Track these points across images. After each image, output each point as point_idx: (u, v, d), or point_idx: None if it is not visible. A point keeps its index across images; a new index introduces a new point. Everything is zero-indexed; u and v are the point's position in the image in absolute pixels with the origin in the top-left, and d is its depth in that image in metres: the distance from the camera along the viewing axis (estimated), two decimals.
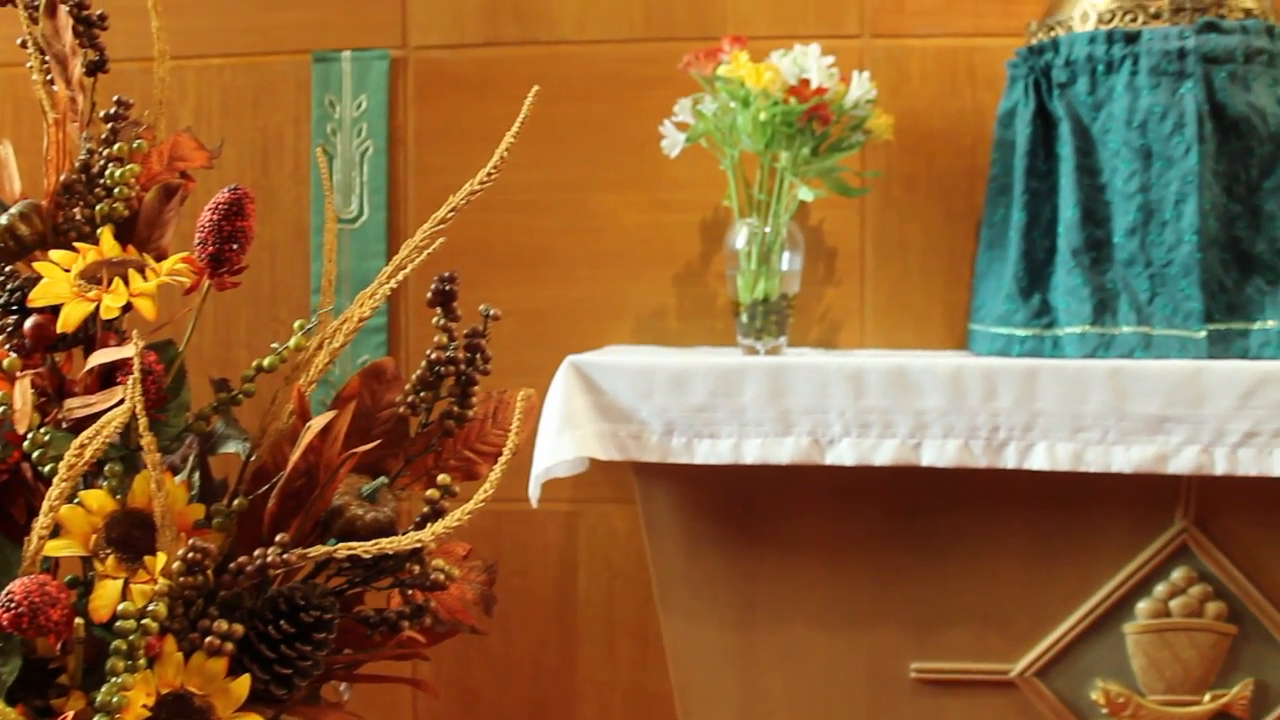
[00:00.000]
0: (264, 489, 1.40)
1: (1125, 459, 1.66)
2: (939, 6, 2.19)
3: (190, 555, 1.23)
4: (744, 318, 2.00)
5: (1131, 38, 1.81)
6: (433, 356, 1.46)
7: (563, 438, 1.82)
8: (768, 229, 1.97)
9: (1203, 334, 1.76)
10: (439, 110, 2.41)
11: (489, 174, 1.40)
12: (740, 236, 2.00)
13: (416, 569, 1.38)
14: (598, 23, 2.32)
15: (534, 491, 1.84)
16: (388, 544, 1.29)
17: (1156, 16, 1.82)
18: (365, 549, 1.29)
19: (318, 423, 1.35)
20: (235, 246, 1.39)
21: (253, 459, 1.46)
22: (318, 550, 1.31)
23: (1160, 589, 1.79)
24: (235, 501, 1.40)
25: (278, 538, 1.30)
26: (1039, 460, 1.71)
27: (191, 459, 1.47)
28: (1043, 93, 1.88)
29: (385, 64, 2.39)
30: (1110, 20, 1.83)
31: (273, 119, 2.45)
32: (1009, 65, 1.98)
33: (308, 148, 2.42)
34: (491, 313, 1.48)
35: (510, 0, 2.37)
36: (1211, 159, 1.78)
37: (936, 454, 1.72)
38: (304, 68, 2.42)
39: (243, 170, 2.44)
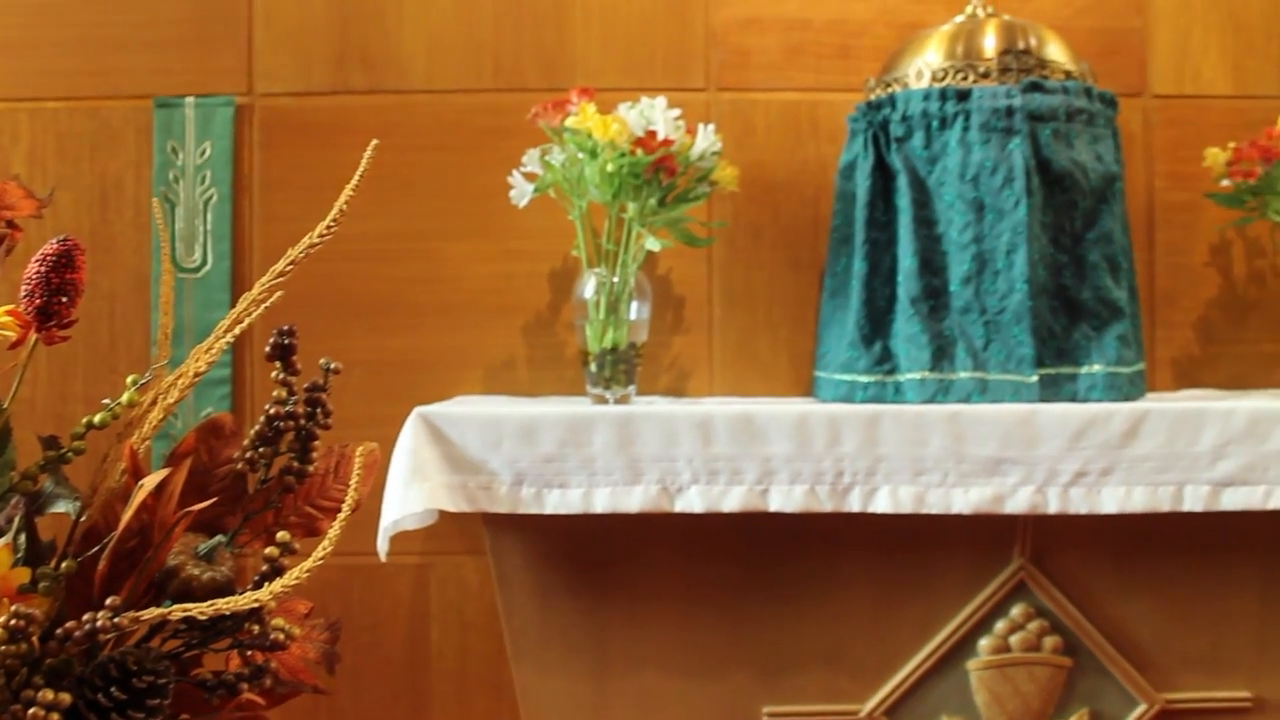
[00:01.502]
0: (95, 550, 1.35)
1: (965, 500, 1.71)
2: (782, 61, 2.26)
3: (13, 622, 1.18)
4: (593, 367, 2.00)
5: (963, 95, 1.90)
6: (271, 411, 1.43)
7: (411, 490, 1.80)
8: (616, 279, 1.98)
9: (1034, 378, 1.83)
10: (286, 158, 2.37)
11: (329, 226, 1.39)
12: (589, 286, 2.01)
13: (256, 629, 1.34)
14: (446, 72, 2.32)
15: (382, 545, 1.82)
16: (225, 604, 1.25)
17: (985, 76, 1.90)
18: (201, 610, 1.25)
19: (151, 481, 1.30)
20: (64, 299, 1.34)
21: (83, 519, 1.40)
22: (151, 613, 1.27)
23: (1000, 625, 1.86)
24: (64, 564, 1.34)
25: (109, 601, 1.25)
26: (883, 504, 1.75)
27: (17, 520, 1.41)
28: (881, 146, 1.95)
29: (230, 110, 2.35)
30: (943, 79, 1.91)
31: (112, 165, 2.38)
32: (849, 120, 2.05)
33: (149, 195, 2.36)
34: (332, 366, 1.45)
35: (358, 49, 2.35)
36: (1039, 211, 1.87)
37: (784, 499, 1.75)
38: (145, 113, 2.37)
39: (80, 217, 2.36)
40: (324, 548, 1.25)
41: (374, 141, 1.39)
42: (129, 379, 1.41)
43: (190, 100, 2.37)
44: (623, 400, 2.03)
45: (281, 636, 1.35)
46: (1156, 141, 2.27)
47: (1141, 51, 2.24)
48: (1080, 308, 1.90)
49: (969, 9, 2.04)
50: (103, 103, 2.39)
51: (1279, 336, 2.34)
